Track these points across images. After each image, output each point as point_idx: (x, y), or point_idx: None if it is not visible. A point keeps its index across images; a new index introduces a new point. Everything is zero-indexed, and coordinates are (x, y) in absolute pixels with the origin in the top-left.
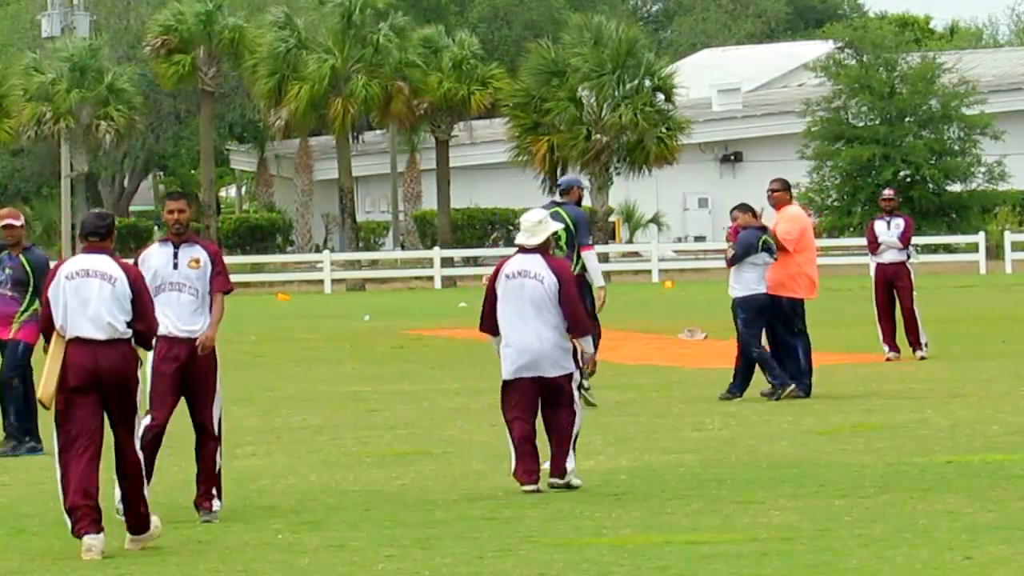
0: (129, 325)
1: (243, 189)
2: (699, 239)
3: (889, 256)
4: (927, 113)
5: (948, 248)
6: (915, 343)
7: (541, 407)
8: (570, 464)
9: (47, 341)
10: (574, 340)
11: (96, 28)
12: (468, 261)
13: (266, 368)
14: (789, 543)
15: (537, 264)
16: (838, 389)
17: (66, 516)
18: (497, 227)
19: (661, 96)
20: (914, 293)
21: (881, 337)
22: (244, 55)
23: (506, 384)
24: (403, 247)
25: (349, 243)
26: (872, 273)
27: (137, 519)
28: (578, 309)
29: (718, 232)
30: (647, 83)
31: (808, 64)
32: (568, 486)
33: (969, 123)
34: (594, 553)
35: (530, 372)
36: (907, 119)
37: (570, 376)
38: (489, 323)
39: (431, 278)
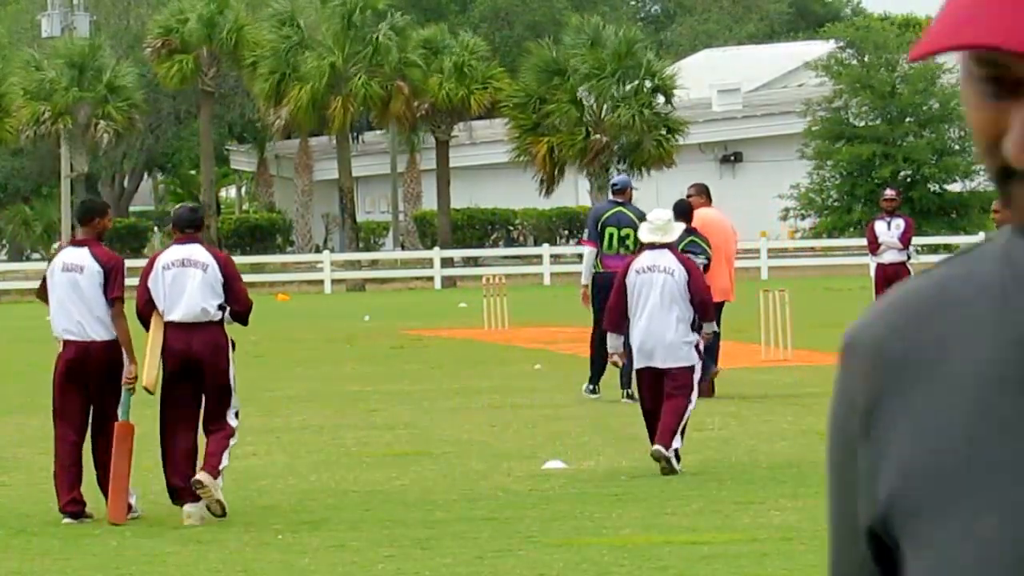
0: (221, 307)
1: (243, 189)
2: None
3: (889, 256)
4: (927, 113)
5: (949, 248)
6: None
7: (664, 393)
8: (676, 443)
9: (145, 327)
10: (702, 322)
11: (96, 28)
12: (468, 261)
13: (266, 368)
14: (789, 543)
15: (667, 259)
16: None
17: (168, 491)
18: (497, 227)
19: (661, 97)
20: None
21: None
22: (244, 55)
23: (638, 372)
24: (403, 247)
25: (349, 243)
26: (872, 273)
27: (210, 462)
28: (707, 297)
29: None
30: (647, 84)
31: (809, 63)
32: (669, 463)
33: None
34: (594, 553)
35: (655, 362)
36: (907, 119)
37: (692, 368)
38: (614, 318)
39: (431, 278)
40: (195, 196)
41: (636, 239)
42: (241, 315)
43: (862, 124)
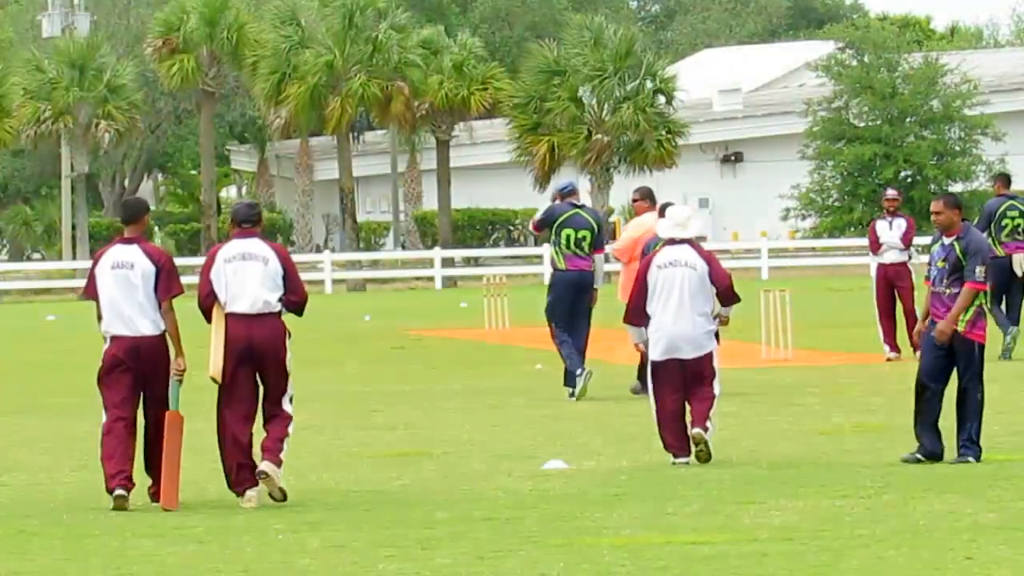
0: (279, 299)
1: (243, 189)
2: (700, 239)
3: (891, 256)
4: (928, 113)
5: None
6: (916, 344)
7: (688, 384)
8: (711, 428)
9: (207, 319)
10: (723, 309)
11: (96, 28)
12: (469, 261)
13: None
14: (789, 543)
15: (689, 254)
16: (838, 389)
17: (225, 471)
18: (498, 227)
19: (662, 98)
20: (915, 293)
21: (882, 337)
22: (245, 54)
23: (656, 365)
24: (404, 247)
25: (350, 243)
26: (873, 273)
27: (272, 454)
28: (730, 282)
29: (719, 232)
30: (648, 84)
31: (810, 63)
32: (707, 446)
33: (970, 123)
34: (594, 553)
35: (679, 355)
36: (908, 119)
37: (711, 355)
38: (636, 313)
39: (432, 278)
40: (196, 196)
41: (591, 240)
42: (298, 305)
43: (863, 125)
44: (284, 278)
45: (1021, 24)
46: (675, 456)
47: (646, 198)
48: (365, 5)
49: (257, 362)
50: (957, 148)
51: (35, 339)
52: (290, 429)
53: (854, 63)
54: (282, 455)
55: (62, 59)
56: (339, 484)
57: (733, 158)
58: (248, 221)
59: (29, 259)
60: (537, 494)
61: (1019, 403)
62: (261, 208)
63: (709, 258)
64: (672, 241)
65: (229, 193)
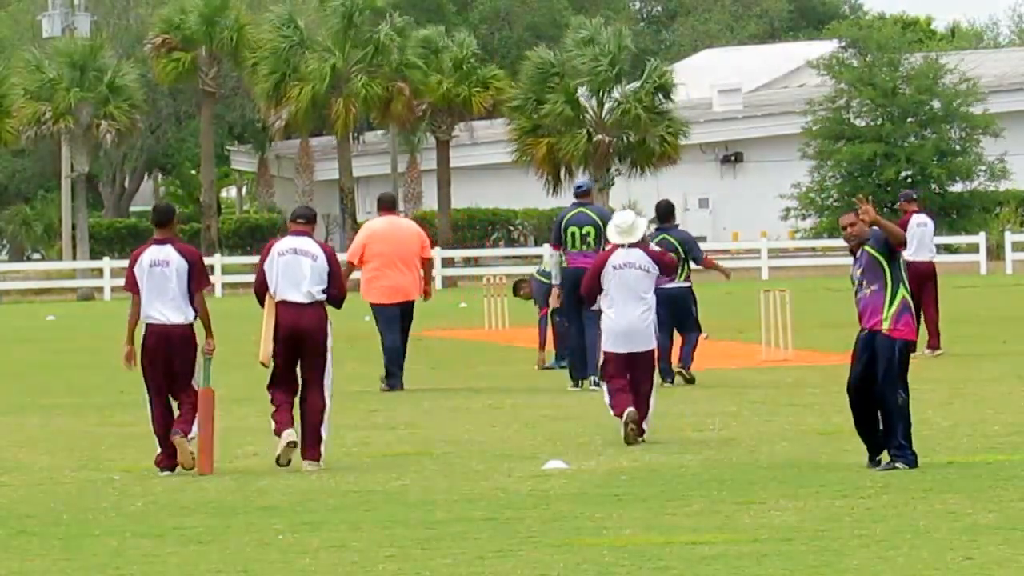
0: (324, 292)
1: (243, 189)
2: (700, 239)
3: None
4: (929, 113)
5: (949, 248)
6: (935, 342)
7: (630, 373)
8: (646, 425)
9: (260, 304)
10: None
11: (96, 28)
12: (469, 261)
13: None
14: (789, 543)
15: (641, 257)
16: (838, 389)
17: (273, 423)
18: (498, 227)
19: (662, 96)
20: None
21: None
22: (245, 54)
23: (608, 356)
24: None
25: (350, 243)
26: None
27: (313, 450)
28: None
29: (719, 232)
30: (647, 83)
31: (811, 61)
32: (640, 427)
33: (971, 122)
34: (595, 554)
35: (629, 348)
36: (909, 119)
37: (654, 350)
38: (591, 293)
39: (432, 278)
40: (195, 196)
41: (596, 235)
42: (338, 299)
43: (863, 124)
44: (328, 274)
45: (1021, 24)
46: (620, 415)
47: (383, 204)
48: (364, 6)
49: (302, 343)
50: (957, 148)
51: (35, 339)
52: (326, 415)
53: (854, 62)
54: (322, 445)
55: (63, 59)
56: (339, 484)
57: (733, 158)
58: (303, 218)
59: (29, 259)
60: (537, 494)
61: (1019, 403)
62: (315, 211)
63: (657, 259)
64: (622, 245)
65: (229, 193)
